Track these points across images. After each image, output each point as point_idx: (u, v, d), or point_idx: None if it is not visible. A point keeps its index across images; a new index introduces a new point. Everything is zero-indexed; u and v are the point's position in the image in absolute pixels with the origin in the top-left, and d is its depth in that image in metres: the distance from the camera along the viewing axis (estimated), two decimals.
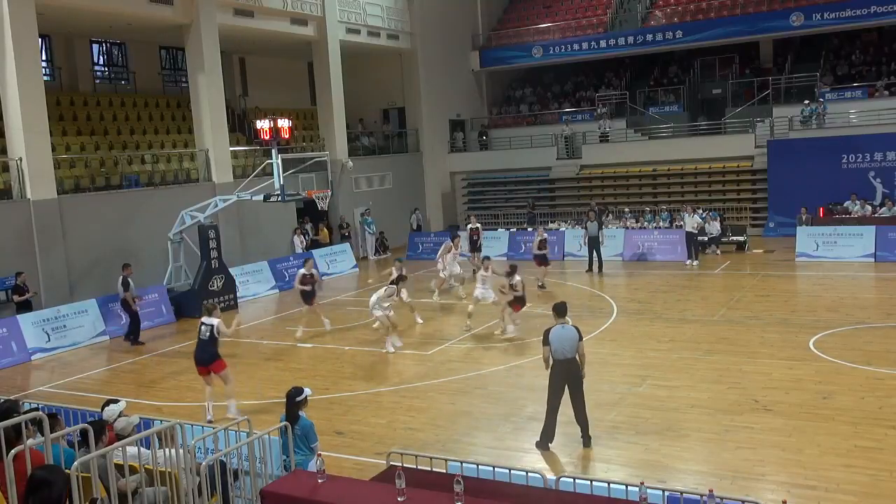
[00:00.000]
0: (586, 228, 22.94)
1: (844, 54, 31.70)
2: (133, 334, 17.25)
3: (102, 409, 7.87)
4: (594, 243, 22.47)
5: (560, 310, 9.65)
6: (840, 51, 32.03)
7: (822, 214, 24.22)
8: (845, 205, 24.19)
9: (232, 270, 20.82)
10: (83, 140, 22.52)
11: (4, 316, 16.88)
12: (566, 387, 9.42)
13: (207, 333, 11.57)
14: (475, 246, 23.21)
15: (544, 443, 9.58)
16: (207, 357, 11.57)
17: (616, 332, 15.38)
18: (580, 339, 9.42)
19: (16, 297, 17.03)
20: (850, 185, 24.90)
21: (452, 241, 20.60)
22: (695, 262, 22.55)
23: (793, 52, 32.37)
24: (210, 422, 10.95)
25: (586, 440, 9.62)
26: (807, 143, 26.60)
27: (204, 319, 11.74)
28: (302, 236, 25.82)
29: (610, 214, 27.68)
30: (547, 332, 9.41)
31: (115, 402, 8.04)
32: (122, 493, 6.17)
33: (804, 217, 23.76)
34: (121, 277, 17.20)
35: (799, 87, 29.89)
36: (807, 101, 27.97)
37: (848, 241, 21.88)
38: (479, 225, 23.99)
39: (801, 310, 16.32)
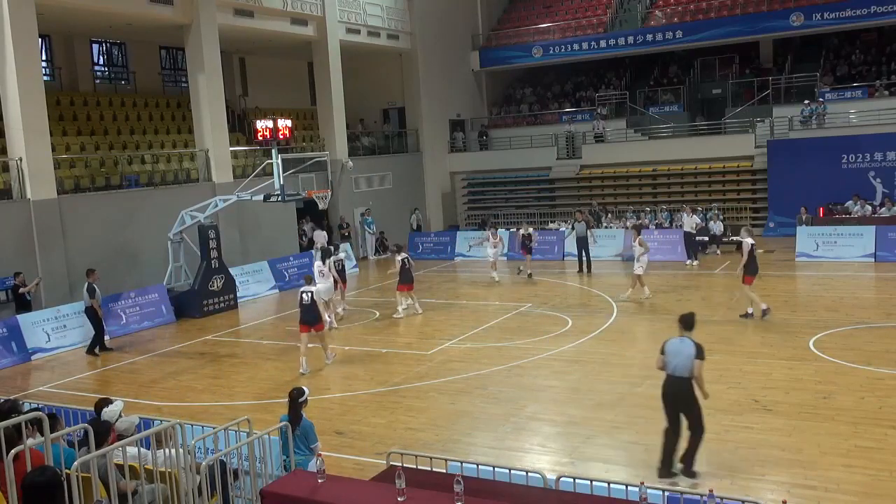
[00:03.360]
0: (573, 229, 22.96)
1: (844, 54, 31.70)
2: (99, 342, 16.56)
3: (98, 410, 7.86)
4: (583, 244, 22.47)
5: (685, 321, 8.70)
6: (840, 51, 32.03)
7: (821, 214, 24.23)
8: (846, 205, 24.19)
9: (232, 270, 20.82)
10: (83, 140, 22.51)
11: (4, 316, 16.88)
12: (677, 407, 8.45)
13: (309, 299, 13.84)
14: (529, 249, 22.55)
15: (663, 470, 8.49)
16: (312, 318, 13.84)
17: (616, 332, 15.39)
18: (697, 356, 8.32)
19: (21, 290, 16.97)
20: (851, 185, 24.91)
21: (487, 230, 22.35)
22: (694, 263, 22.54)
23: (793, 52, 32.38)
24: (303, 374, 13.65)
25: (685, 470, 8.48)
26: (807, 143, 26.60)
27: (304, 288, 14.12)
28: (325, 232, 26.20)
29: (609, 214, 27.68)
30: (665, 343, 8.65)
31: (109, 402, 8.05)
32: (123, 493, 6.17)
33: (804, 217, 23.76)
34: (86, 283, 16.35)
35: (799, 87, 29.90)
36: (807, 101, 27.97)
37: (848, 241, 21.88)
38: (532, 230, 23.48)
39: (800, 310, 16.32)
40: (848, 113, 27.67)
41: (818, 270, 20.65)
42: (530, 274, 22.14)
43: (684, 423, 8.45)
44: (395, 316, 17.93)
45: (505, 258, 24.21)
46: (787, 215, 25.65)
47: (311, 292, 13.98)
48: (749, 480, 8.40)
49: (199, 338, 17.44)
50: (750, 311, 15.77)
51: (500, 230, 23.54)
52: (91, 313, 16.38)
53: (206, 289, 19.77)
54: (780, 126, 28.29)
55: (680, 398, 8.40)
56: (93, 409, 8.12)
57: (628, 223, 26.36)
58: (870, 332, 14.26)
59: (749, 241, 15.58)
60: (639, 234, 18.75)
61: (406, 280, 17.99)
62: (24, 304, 17.15)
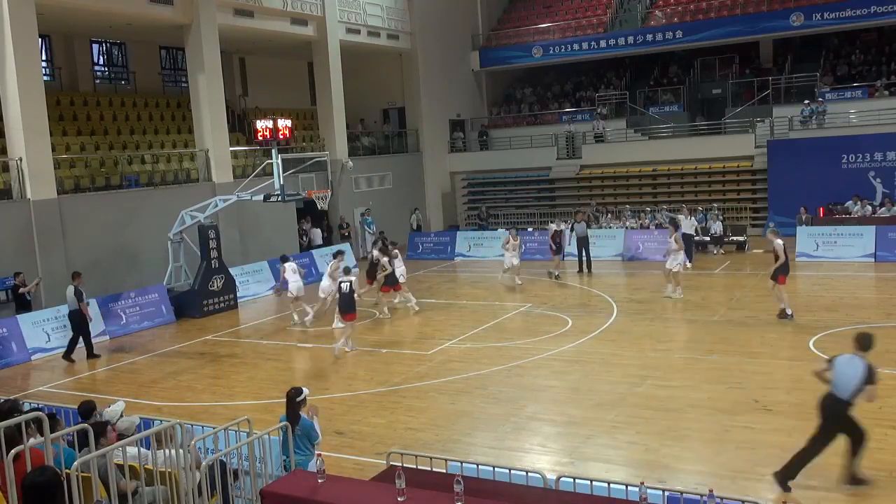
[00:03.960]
0: (573, 230, 22.94)
1: (844, 54, 31.70)
2: (87, 344, 16.23)
3: (81, 412, 7.89)
4: (583, 244, 22.44)
5: (860, 342, 8.23)
6: (840, 51, 32.03)
7: (822, 214, 24.23)
8: (846, 205, 24.19)
9: (232, 270, 20.81)
10: (83, 140, 22.51)
11: (4, 316, 16.86)
12: (830, 428, 8.06)
13: (348, 289, 14.74)
14: (558, 248, 22.29)
15: (782, 478, 8.17)
16: (348, 307, 14.79)
17: (616, 332, 15.38)
18: (868, 381, 7.86)
19: (20, 290, 16.96)
20: (851, 185, 24.90)
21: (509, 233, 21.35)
22: (688, 264, 22.47)
23: (793, 52, 32.38)
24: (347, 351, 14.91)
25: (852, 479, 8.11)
26: (807, 143, 26.60)
27: (343, 278, 15.00)
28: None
29: (609, 214, 27.63)
30: (835, 358, 8.26)
31: (92, 404, 8.08)
32: (123, 493, 6.17)
33: (804, 217, 23.76)
34: (72, 288, 15.97)
35: (799, 87, 29.90)
36: (807, 101, 27.97)
37: (848, 241, 21.88)
38: (564, 226, 23.41)
39: (800, 310, 16.29)
40: (848, 113, 27.68)
41: (818, 270, 20.65)
42: (558, 275, 21.56)
43: (838, 441, 8.13)
44: (380, 316, 18.02)
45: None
46: (786, 215, 25.60)
47: (351, 282, 14.75)
48: (749, 480, 8.40)
49: (199, 338, 17.43)
50: (789, 311, 15.40)
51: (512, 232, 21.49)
52: (78, 317, 16.04)
53: (206, 289, 19.76)
54: (780, 126, 28.29)
55: (836, 418, 8.05)
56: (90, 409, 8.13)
57: (628, 222, 26.36)
58: (870, 332, 14.22)
59: (779, 241, 15.35)
60: (676, 230, 18.70)
61: (391, 282, 18.05)
62: (24, 304, 17.12)
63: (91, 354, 16.25)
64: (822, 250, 21.98)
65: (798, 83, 30.04)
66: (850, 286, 18.70)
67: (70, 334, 16.27)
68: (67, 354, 16.10)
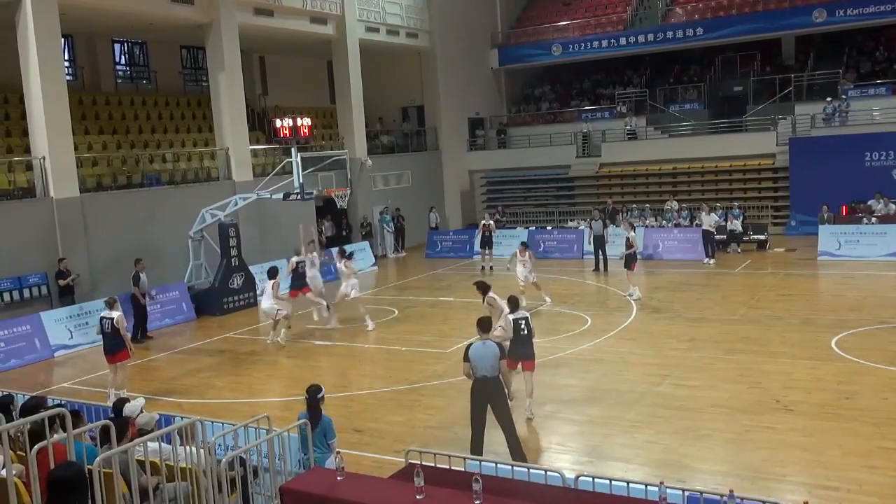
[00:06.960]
0: (591, 228, 23.00)
1: (868, 51, 31.33)
2: (141, 329, 17.44)
3: (117, 410, 7.95)
4: (599, 243, 22.44)
5: (483, 325, 9.29)
6: (863, 47, 31.65)
7: (844, 213, 23.96)
8: (869, 203, 23.92)
9: (251, 268, 20.93)
10: (105, 139, 22.72)
11: (27, 313, 17.05)
12: (488, 406, 9.04)
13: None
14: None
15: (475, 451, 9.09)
16: None
17: (635, 331, 15.32)
18: (502, 357, 9.02)
19: (60, 282, 17.72)
20: (874, 183, 24.61)
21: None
22: (711, 261, 22.41)
23: (815, 49, 32.03)
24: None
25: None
26: (829, 140, 26.32)
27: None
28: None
29: (628, 213, 27.42)
30: (468, 348, 9.09)
31: (127, 401, 8.14)
32: (144, 489, 6.22)
33: (826, 215, 23.53)
34: (133, 272, 17.47)
35: (821, 85, 29.57)
36: (829, 99, 27.67)
37: (871, 239, 21.64)
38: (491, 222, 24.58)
39: (823, 309, 16.16)
40: (871, 110, 27.35)
41: (840, 269, 20.43)
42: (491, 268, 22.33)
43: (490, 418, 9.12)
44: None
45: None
46: (808, 214, 25.40)
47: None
48: (770, 481, 8.34)
49: (219, 335, 17.55)
50: None
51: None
52: (134, 300, 17.26)
53: (226, 286, 19.89)
54: (802, 124, 28.02)
55: (491, 397, 9.05)
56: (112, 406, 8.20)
57: (647, 220, 26.22)
58: (893, 331, 14.09)
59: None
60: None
61: (298, 286, 17.66)
62: (67, 290, 17.78)
63: (142, 334, 17.34)
64: (844, 249, 21.75)
65: (820, 80, 29.72)
66: (873, 285, 18.48)
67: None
68: (143, 335, 17.39)
